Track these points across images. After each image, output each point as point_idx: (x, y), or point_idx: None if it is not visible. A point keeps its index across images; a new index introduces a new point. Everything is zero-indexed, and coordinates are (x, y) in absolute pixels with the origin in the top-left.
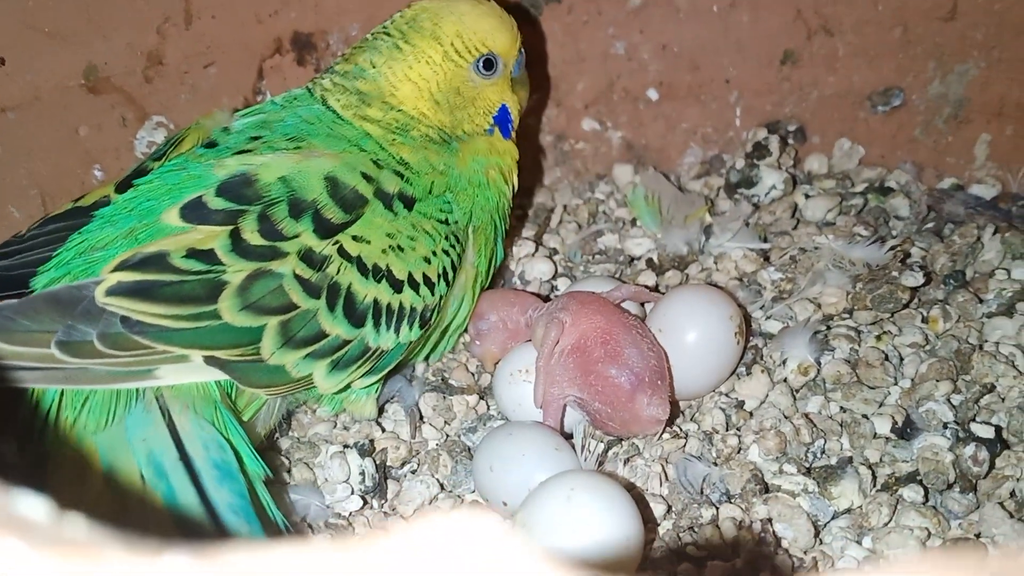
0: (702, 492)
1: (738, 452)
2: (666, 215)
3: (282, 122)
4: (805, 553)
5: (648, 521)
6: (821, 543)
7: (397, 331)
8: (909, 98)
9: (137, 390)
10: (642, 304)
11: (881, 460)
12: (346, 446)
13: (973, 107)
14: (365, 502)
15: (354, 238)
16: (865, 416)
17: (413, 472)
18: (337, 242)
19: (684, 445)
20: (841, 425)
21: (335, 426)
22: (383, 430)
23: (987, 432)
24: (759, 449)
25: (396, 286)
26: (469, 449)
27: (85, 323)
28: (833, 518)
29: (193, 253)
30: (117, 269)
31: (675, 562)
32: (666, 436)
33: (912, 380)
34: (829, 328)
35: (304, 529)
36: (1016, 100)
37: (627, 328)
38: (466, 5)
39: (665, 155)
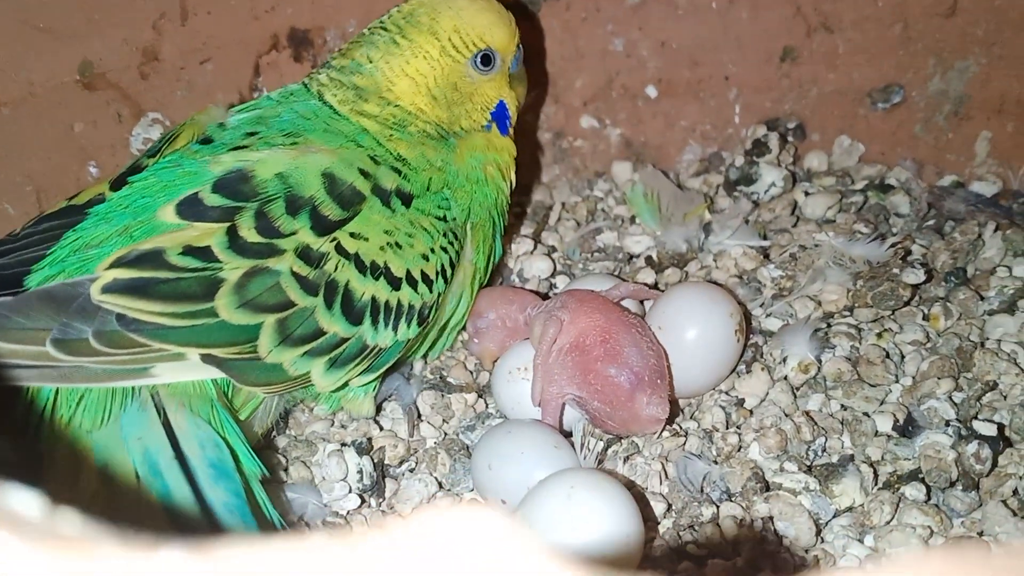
0: (702, 490)
1: (738, 450)
2: (665, 212)
3: (278, 118)
4: (806, 551)
5: (648, 519)
6: (823, 541)
7: (395, 329)
8: (909, 95)
9: (133, 388)
10: (641, 302)
11: (883, 458)
12: (344, 444)
13: (973, 104)
14: (363, 501)
15: (352, 235)
16: (866, 414)
17: (411, 470)
18: (335, 239)
19: (684, 443)
20: (842, 423)
21: (333, 424)
22: (381, 428)
23: (989, 430)
24: (759, 447)
25: (394, 283)
26: (467, 447)
27: (80, 321)
28: (834, 516)
29: (189, 250)
30: (112, 266)
31: (675, 561)
32: (666, 434)
33: (913, 378)
34: (830, 326)
35: (301, 528)
36: (1017, 97)
37: (626, 326)
38: (464, 0)
39: (664, 152)
